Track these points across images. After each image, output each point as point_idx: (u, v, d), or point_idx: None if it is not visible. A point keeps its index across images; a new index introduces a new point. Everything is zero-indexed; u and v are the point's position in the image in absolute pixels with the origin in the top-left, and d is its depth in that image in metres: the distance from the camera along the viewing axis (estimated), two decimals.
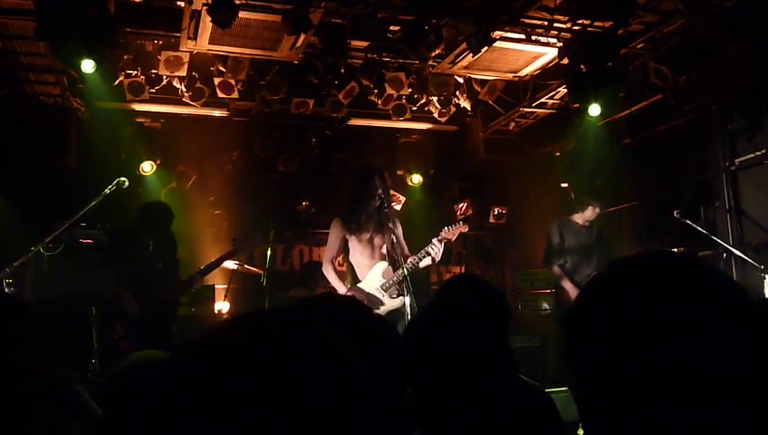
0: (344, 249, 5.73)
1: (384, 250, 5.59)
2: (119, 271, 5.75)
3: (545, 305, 8.89)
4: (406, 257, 5.37)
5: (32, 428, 1.33)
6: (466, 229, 5.60)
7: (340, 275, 5.74)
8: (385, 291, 5.45)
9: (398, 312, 5.28)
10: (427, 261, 5.40)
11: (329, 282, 5.71)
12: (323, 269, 5.73)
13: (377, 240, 5.58)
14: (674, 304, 0.91)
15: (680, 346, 0.88)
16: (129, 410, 0.73)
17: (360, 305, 1.52)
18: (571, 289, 6.73)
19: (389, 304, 5.44)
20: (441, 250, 5.37)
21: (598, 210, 7.02)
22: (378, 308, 5.37)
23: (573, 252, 6.97)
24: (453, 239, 5.51)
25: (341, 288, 5.53)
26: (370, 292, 5.46)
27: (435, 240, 5.33)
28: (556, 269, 6.99)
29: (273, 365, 0.70)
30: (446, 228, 5.46)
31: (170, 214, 6.11)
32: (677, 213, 6.43)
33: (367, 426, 0.72)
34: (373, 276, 5.52)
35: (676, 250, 6.30)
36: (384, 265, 5.54)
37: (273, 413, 0.66)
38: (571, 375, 1.00)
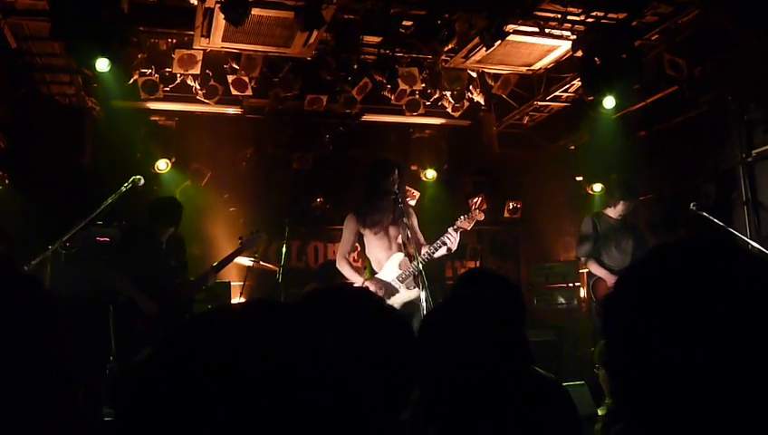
0: (360, 244, 5.73)
1: (400, 241, 5.58)
2: (132, 270, 5.76)
3: (561, 299, 8.86)
4: (421, 247, 5.36)
5: (48, 414, 1.33)
6: (482, 218, 5.59)
7: (356, 269, 5.74)
8: (401, 282, 5.45)
9: (414, 304, 5.27)
10: (442, 251, 5.40)
11: (345, 278, 5.72)
12: (337, 264, 5.73)
13: (392, 231, 5.57)
14: (715, 287, 0.90)
15: (724, 328, 0.87)
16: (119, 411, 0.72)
17: (372, 297, 1.52)
18: (606, 275, 6.67)
19: (406, 294, 5.44)
20: (457, 240, 5.36)
21: (631, 205, 6.93)
22: (394, 298, 5.37)
23: (609, 246, 6.84)
24: (469, 228, 5.50)
25: (358, 280, 5.53)
26: (387, 281, 5.47)
27: (451, 230, 5.33)
28: (591, 262, 6.88)
29: (252, 362, 0.70)
30: (461, 217, 5.46)
31: (182, 210, 6.13)
32: (694, 205, 6.39)
33: (350, 418, 0.72)
34: (390, 267, 5.52)
35: None
36: (401, 255, 5.53)
37: (242, 413, 0.66)
38: (606, 362, 1.00)
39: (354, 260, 5.96)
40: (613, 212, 6.93)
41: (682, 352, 0.89)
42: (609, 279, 6.67)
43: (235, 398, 0.66)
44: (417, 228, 5.59)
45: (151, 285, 5.73)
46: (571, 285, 8.89)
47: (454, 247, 5.38)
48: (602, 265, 6.76)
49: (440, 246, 5.36)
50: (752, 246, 6.35)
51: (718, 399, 0.86)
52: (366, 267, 5.81)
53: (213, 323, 0.76)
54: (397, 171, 5.48)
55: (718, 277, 0.92)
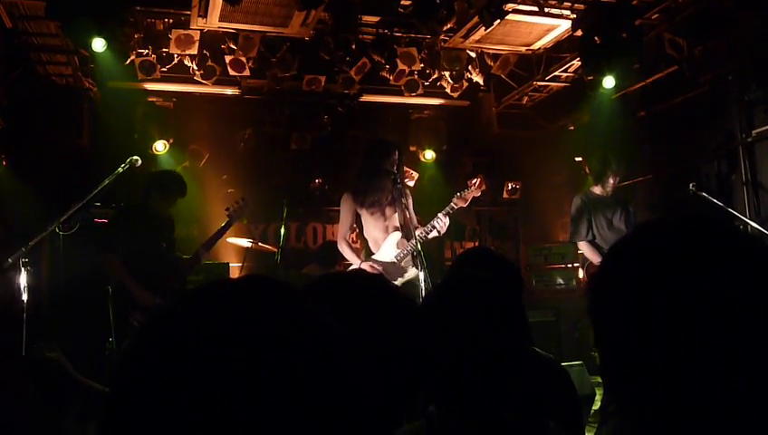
0: (358, 224, 5.71)
1: (397, 222, 5.57)
2: (126, 253, 5.52)
3: (560, 280, 8.87)
4: (414, 229, 5.37)
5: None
6: (479, 194, 5.57)
7: (356, 251, 5.73)
8: (399, 262, 5.45)
9: (412, 284, 5.26)
10: (433, 234, 5.40)
11: (345, 259, 5.70)
12: (338, 246, 5.72)
13: (389, 211, 5.55)
14: (697, 262, 0.89)
15: (705, 304, 0.86)
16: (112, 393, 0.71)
17: (378, 279, 1.51)
18: (598, 260, 6.49)
19: (405, 274, 5.44)
20: (446, 224, 5.36)
21: (615, 179, 6.72)
22: (394, 279, 5.37)
23: (601, 224, 6.67)
24: (466, 205, 5.50)
25: (356, 261, 5.53)
26: (386, 262, 5.47)
27: (440, 214, 5.33)
28: (583, 245, 6.65)
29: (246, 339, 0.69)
30: (458, 194, 5.45)
31: (183, 184, 5.89)
32: (693, 185, 6.36)
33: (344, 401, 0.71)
34: (388, 248, 5.52)
35: None
36: (398, 235, 5.52)
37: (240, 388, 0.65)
38: (595, 343, 0.99)
39: (353, 241, 5.93)
40: (599, 190, 6.70)
41: (663, 333, 0.88)
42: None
43: (229, 375, 0.65)
44: (412, 210, 5.57)
45: (147, 271, 5.53)
46: (569, 265, 8.89)
47: (443, 231, 5.39)
48: (597, 247, 6.54)
49: (431, 230, 5.36)
50: (751, 226, 6.35)
51: (696, 378, 0.86)
52: (363, 248, 5.81)
53: (207, 297, 0.75)
54: (397, 152, 5.46)
55: (704, 254, 0.91)
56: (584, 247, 6.63)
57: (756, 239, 0.95)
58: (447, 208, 5.39)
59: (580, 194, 6.83)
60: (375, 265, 5.39)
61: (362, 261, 5.51)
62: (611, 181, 6.61)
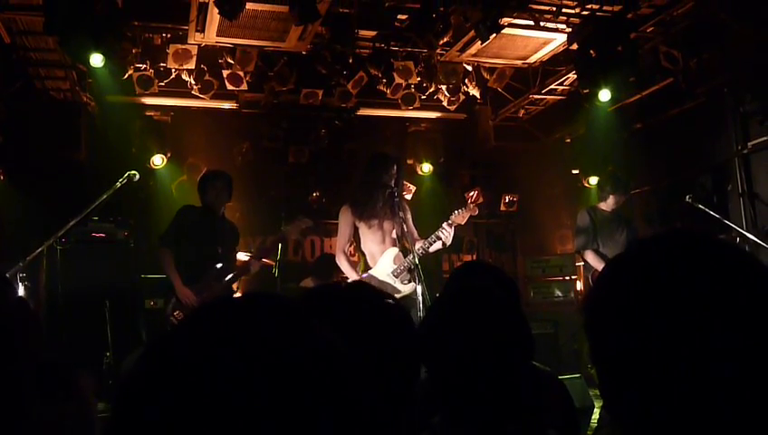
0: (355, 237, 5.72)
1: (394, 235, 5.57)
2: (179, 251, 5.60)
3: (557, 292, 8.88)
4: (415, 241, 5.36)
5: (24, 410, 1.34)
6: (476, 212, 5.58)
7: (353, 265, 5.73)
8: (396, 277, 5.45)
9: (410, 299, 5.26)
10: (437, 245, 5.38)
11: (342, 272, 5.70)
12: (336, 259, 5.72)
13: (386, 225, 5.55)
14: (688, 279, 0.90)
15: (697, 321, 0.87)
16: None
17: (372, 291, 1.52)
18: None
19: (401, 289, 5.43)
20: (452, 235, 5.36)
21: (622, 198, 6.87)
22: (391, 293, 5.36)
23: (605, 239, 6.74)
24: (464, 222, 5.50)
25: (354, 276, 5.52)
26: (382, 278, 5.46)
27: (445, 225, 5.32)
28: (589, 254, 6.71)
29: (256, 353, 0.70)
30: (455, 212, 5.45)
31: (230, 178, 6.00)
32: (690, 197, 6.38)
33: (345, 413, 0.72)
34: (384, 262, 5.52)
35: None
36: (395, 250, 5.52)
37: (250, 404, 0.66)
38: (591, 358, 1.00)
39: (351, 255, 5.94)
40: (606, 205, 6.85)
41: (654, 347, 0.89)
42: None
43: (232, 397, 0.66)
44: (411, 223, 5.58)
45: (196, 270, 5.59)
46: (567, 277, 8.91)
47: (448, 242, 5.38)
48: (601, 256, 6.66)
49: (435, 241, 5.35)
50: (748, 237, 6.37)
51: (685, 391, 0.87)
52: (360, 262, 5.81)
53: (209, 317, 0.76)
54: (395, 166, 5.47)
55: (697, 269, 0.92)
56: (590, 256, 6.70)
57: (743, 251, 0.96)
58: (445, 225, 5.39)
59: (586, 208, 6.97)
60: (370, 281, 5.38)
61: (359, 276, 5.51)
62: (620, 199, 6.75)
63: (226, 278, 5.73)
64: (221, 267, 5.76)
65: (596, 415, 5.52)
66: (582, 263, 7.26)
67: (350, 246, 5.83)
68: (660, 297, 0.90)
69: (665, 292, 0.91)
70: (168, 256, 5.58)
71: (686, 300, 0.89)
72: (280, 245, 6.18)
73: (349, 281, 5.43)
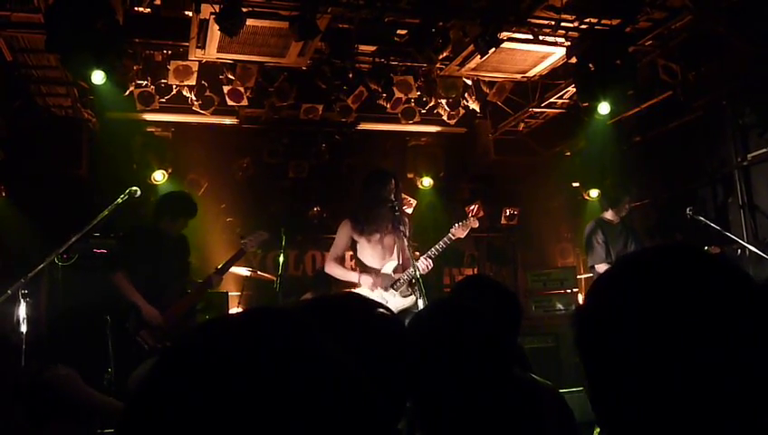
0: (353, 251, 5.74)
1: (394, 250, 5.59)
2: (133, 272, 5.66)
3: (559, 306, 8.85)
4: (408, 260, 5.40)
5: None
6: (476, 225, 5.62)
7: (347, 267, 5.78)
8: (396, 290, 5.46)
9: (410, 312, 5.27)
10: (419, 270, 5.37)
11: (338, 281, 5.73)
12: (326, 268, 5.75)
13: (387, 240, 5.58)
14: (673, 293, 0.91)
15: (683, 334, 0.88)
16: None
17: (366, 302, 1.53)
18: None
19: (401, 302, 5.44)
20: (430, 266, 5.47)
21: (624, 206, 6.92)
22: (389, 303, 5.37)
23: (614, 250, 6.78)
24: (464, 236, 5.54)
25: (353, 276, 5.54)
26: (385, 273, 5.50)
27: (422, 258, 5.39)
28: (604, 266, 6.72)
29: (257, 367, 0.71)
30: (456, 225, 5.49)
31: (193, 204, 6.06)
32: (690, 210, 6.39)
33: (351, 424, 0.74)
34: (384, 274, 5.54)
35: (712, 249, 6.10)
36: (395, 263, 5.54)
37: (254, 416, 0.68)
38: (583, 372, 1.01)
39: (352, 269, 5.95)
40: (610, 216, 6.94)
41: (643, 361, 0.90)
42: None
43: (239, 411, 0.68)
44: (406, 245, 5.54)
45: (155, 290, 5.65)
46: (568, 290, 8.88)
47: (424, 272, 5.42)
48: None
49: (434, 254, 5.45)
50: (749, 250, 6.36)
51: (675, 403, 0.87)
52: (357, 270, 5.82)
53: (213, 335, 0.78)
54: (393, 181, 5.51)
55: (686, 284, 0.93)
56: (604, 270, 6.66)
57: (729, 262, 0.97)
58: (446, 238, 5.41)
59: (594, 220, 7.00)
60: (373, 278, 5.41)
61: (361, 274, 5.53)
62: (621, 210, 6.78)
63: (188, 293, 5.87)
64: (181, 283, 5.88)
65: (598, 429, 5.50)
66: (584, 276, 7.26)
67: (352, 260, 5.85)
68: (646, 311, 0.91)
69: (651, 306, 0.91)
70: (124, 279, 5.63)
71: (673, 314, 0.89)
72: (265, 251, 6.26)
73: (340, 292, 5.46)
